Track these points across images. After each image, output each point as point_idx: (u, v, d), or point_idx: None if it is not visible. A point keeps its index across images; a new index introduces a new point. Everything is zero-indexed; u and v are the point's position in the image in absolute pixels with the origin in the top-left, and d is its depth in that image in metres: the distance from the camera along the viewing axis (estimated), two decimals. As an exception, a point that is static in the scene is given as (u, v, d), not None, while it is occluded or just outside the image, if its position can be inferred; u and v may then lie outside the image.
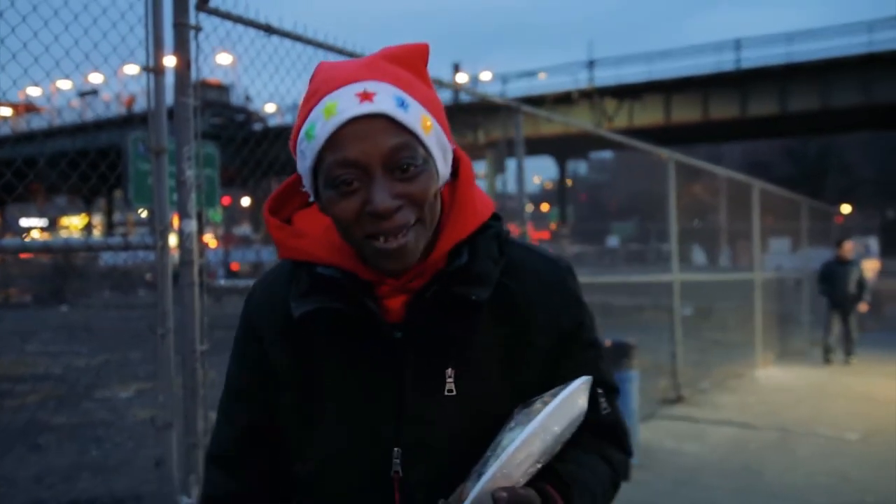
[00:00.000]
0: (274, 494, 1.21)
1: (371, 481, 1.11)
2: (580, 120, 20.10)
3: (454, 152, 1.12)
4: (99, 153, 4.05)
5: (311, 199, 1.12)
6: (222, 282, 3.71)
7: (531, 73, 36.77)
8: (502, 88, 34.99)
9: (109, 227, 49.21)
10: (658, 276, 9.16)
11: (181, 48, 3.18)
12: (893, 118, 29.82)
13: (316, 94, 1.04)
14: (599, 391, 1.17)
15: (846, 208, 42.40)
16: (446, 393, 1.10)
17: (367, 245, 1.04)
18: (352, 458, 1.12)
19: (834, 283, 11.35)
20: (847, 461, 5.82)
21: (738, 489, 5.16)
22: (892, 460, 5.81)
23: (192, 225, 3.21)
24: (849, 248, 11.49)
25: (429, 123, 1.04)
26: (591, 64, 33.90)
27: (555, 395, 1.04)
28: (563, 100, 31.79)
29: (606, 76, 34.15)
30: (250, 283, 3.87)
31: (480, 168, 23.81)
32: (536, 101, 27.78)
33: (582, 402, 1.04)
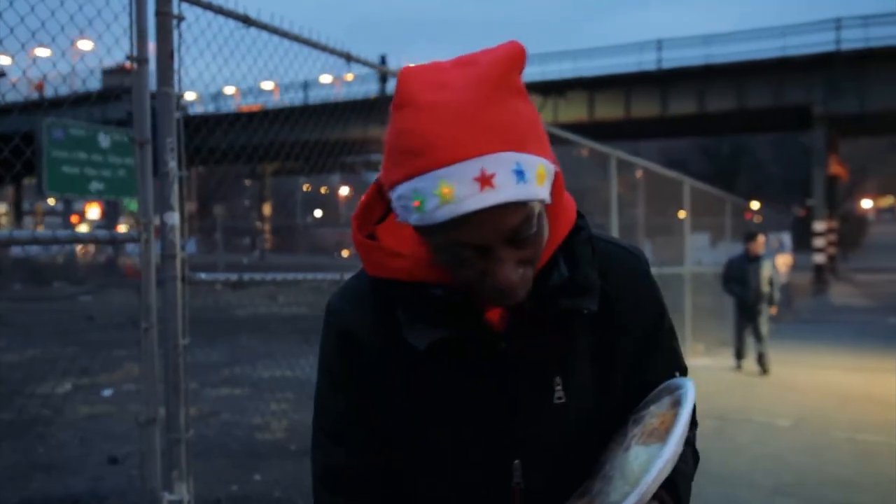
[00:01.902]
0: None
1: (491, 495, 1.10)
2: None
3: None
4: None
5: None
6: (203, 275, 3.59)
7: (457, 68, 36.81)
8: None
9: (18, 216, 47.17)
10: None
11: (164, 38, 3.13)
12: (801, 120, 31.24)
13: (421, 155, 0.91)
14: (677, 374, 1.19)
15: (755, 205, 44.19)
16: (556, 401, 1.10)
17: (479, 289, 1.00)
18: (470, 475, 1.10)
19: (745, 283, 10.10)
20: (783, 446, 6.16)
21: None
22: (821, 445, 6.17)
23: (175, 217, 3.16)
24: (761, 242, 10.32)
25: (543, 172, 0.95)
26: (517, 60, 34.27)
27: (670, 406, 1.07)
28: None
29: (532, 72, 34.43)
30: (230, 276, 3.77)
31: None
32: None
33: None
